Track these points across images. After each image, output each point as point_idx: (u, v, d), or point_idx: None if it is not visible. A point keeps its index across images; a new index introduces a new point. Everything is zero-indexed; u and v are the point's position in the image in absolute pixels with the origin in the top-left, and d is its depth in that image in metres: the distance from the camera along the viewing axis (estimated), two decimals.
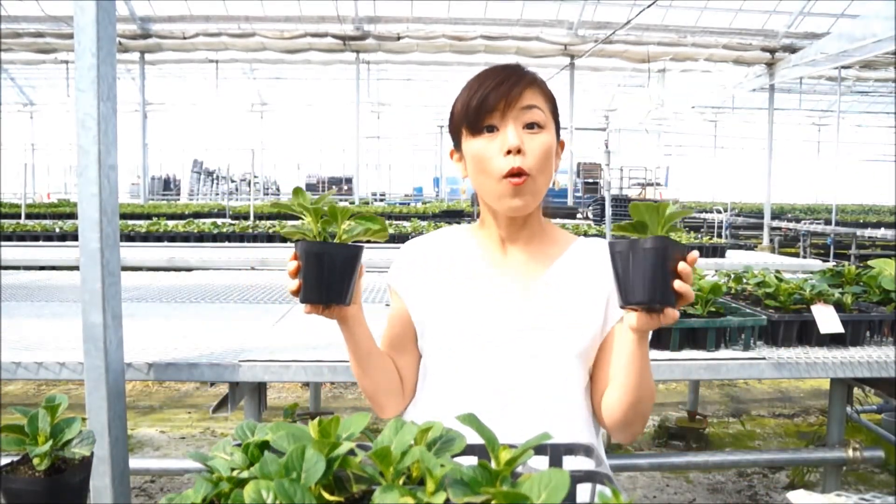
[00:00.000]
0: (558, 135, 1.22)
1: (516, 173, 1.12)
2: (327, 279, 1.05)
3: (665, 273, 0.94)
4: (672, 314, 0.99)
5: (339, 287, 1.06)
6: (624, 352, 1.10)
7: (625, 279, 0.96)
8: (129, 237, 6.14)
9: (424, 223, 7.01)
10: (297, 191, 1.09)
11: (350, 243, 1.08)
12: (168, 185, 26.96)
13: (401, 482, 0.65)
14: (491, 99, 1.13)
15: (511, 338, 1.18)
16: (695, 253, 1.00)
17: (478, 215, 1.31)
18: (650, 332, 1.08)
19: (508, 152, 1.12)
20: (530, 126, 1.15)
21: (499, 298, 1.21)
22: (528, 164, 1.13)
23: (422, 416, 1.22)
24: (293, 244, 1.09)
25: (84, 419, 0.86)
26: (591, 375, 1.25)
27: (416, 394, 1.29)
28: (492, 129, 1.15)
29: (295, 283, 1.07)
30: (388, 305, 1.34)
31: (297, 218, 1.13)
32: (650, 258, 0.93)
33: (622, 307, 1.00)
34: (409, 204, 15.96)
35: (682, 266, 0.97)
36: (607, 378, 1.21)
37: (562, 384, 1.18)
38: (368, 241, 1.12)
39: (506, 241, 1.25)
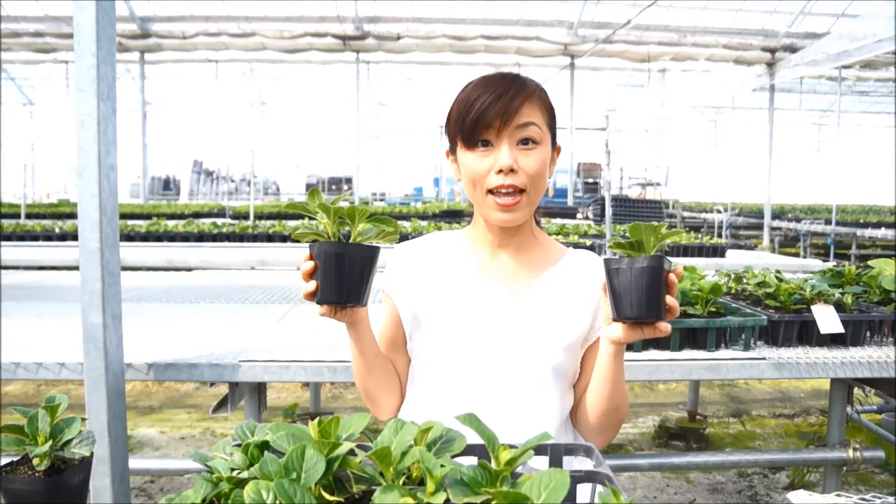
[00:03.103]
0: (554, 143, 1.22)
1: (508, 192, 1.14)
2: (346, 280, 1.05)
3: (659, 289, 1.00)
4: (664, 327, 1.03)
5: (358, 288, 1.07)
6: (602, 363, 1.13)
7: (621, 295, 1.01)
8: (128, 237, 6.15)
9: (424, 223, 7.01)
10: (313, 192, 1.08)
11: (367, 244, 1.08)
12: (168, 185, 26.98)
13: (401, 482, 0.65)
14: (487, 115, 1.12)
15: (492, 343, 1.19)
16: (680, 268, 1.04)
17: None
18: (623, 348, 1.12)
19: (500, 171, 1.13)
20: (525, 142, 1.15)
21: (484, 305, 1.21)
22: (520, 180, 1.14)
23: (409, 418, 1.23)
24: (308, 245, 1.08)
25: (84, 419, 0.85)
26: (574, 383, 1.26)
27: (405, 397, 1.30)
28: (486, 143, 1.15)
29: (312, 285, 1.06)
30: (380, 302, 1.34)
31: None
32: (646, 276, 0.99)
33: (615, 320, 1.05)
34: (408, 204, 15.98)
35: (671, 278, 1.02)
36: (586, 386, 1.22)
37: (534, 394, 1.19)
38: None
39: (496, 246, 1.25)
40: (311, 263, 1.06)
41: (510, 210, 1.15)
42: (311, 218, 1.12)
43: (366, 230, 1.08)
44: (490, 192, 1.15)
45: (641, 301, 0.99)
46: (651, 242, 1.02)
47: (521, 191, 1.14)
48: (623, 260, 1.00)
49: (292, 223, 7.21)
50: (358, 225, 1.08)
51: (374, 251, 1.07)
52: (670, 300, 1.02)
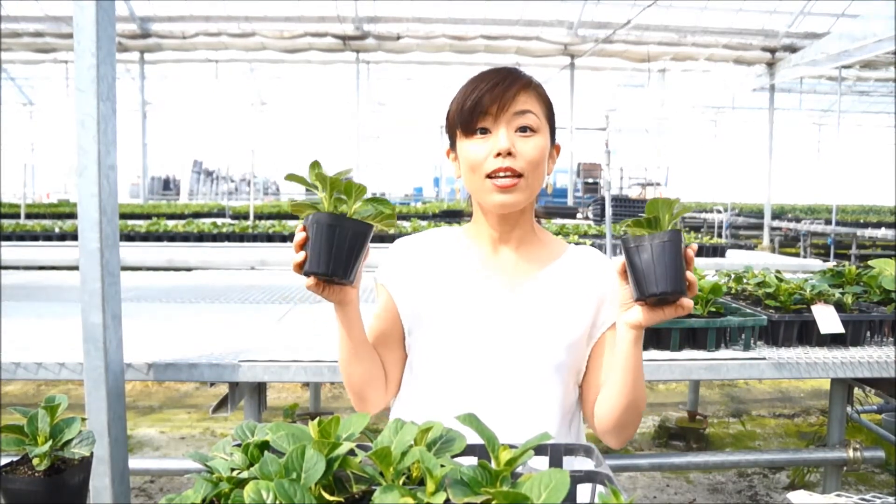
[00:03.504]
0: (553, 139, 1.23)
1: (507, 175, 1.14)
2: (336, 252, 1.03)
3: (680, 263, 1.00)
4: (687, 303, 1.02)
5: (347, 262, 1.04)
6: (620, 353, 1.11)
7: (645, 273, 1.00)
8: (128, 237, 6.15)
9: (424, 223, 7.01)
10: (314, 163, 1.06)
11: (360, 220, 1.06)
12: (168, 185, 26.97)
13: (401, 482, 0.65)
14: (484, 101, 1.14)
15: (494, 339, 1.19)
16: (694, 244, 1.05)
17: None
18: (643, 333, 1.11)
19: (498, 154, 1.14)
20: (523, 129, 1.16)
21: (486, 299, 1.22)
22: (518, 165, 1.15)
23: (408, 414, 1.24)
24: (303, 219, 1.07)
25: (84, 419, 0.85)
26: (582, 382, 1.25)
27: (401, 391, 1.30)
28: (485, 131, 1.16)
29: (300, 256, 1.05)
30: (374, 301, 1.33)
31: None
32: (668, 250, 0.98)
33: (638, 300, 1.03)
34: (408, 204, 15.97)
35: (689, 253, 1.02)
36: (598, 384, 1.22)
37: (537, 391, 1.18)
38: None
39: (497, 241, 1.25)
40: (303, 235, 1.05)
41: (508, 192, 1.15)
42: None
43: (363, 209, 1.07)
44: (488, 176, 1.16)
45: (667, 275, 0.98)
46: (667, 218, 1.03)
47: (520, 175, 1.15)
48: (643, 237, 1.00)
49: (292, 223, 7.21)
50: (355, 201, 1.06)
51: (367, 228, 1.06)
52: (690, 275, 1.02)
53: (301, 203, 1.09)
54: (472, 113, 1.15)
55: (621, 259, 1.05)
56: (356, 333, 1.20)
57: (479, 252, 1.26)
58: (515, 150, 1.14)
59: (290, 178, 1.13)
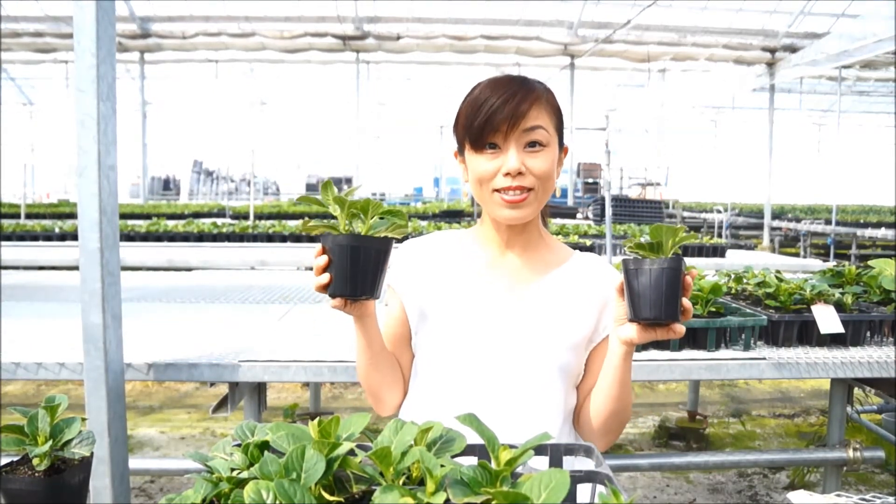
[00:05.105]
0: (561, 145, 1.23)
1: (516, 191, 1.15)
2: (361, 273, 1.05)
3: (677, 291, 1.01)
4: (679, 329, 1.04)
5: (373, 281, 1.06)
6: (612, 363, 1.14)
7: (640, 296, 1.01)
8: (128, 237, 6.15)
9: (424, 223, 7.01)
10: (325, 185, 1.08)
11: (382, 237, 1.07)
12: (168, 185, 26.97)
13: (401, 482, 0.65)
14: (495, 120, 1.13)
15: (497, 340, 1.20)
16: (695, 270, 1.05)
17: (478, 215, 1.32)
18: (633, 349, 1.13)
19: (507, 174, 1.14)
20: (532, 144, 1.16)
21: (490, 302, 1.23)
22: (527, 182, 1.15)
23: (412, 414, 1.25)
24: (320, 238, 1.08)
25: (84, 419, 0.85)
26: (577, 385, 1.26)
27: (407, 391, 1.31)
28: (494, 145, 1.16)
29: (325, 278, 1.06)
30: (386, 305, 1.34)
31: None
32: (666, 277, 1.00)
33: (631, 321, 1.05)
34: (408, 204, 15.97)
35: (687, 280, 1.03)
36: (590, 388, 1.23)
37: (540, 392, 1.19)
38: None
39: (503, 245, 1.26)
40: (324, 258, 1.06)
41: (517, 207, 1.16)
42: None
43: (377, 223, 1.08)
44: (496, 190, 1.16)
45: (661, 302, 1.00)
46: (670, 244, 1.03)
47: (529, 189, 1.16)
48: (643, 261, 1.01)
49: (292, 223, 7.22)
50: (371, 218, 1.07)
51: (389, 243, 1.07)
52: (686, 302, 1.03)
53: (316, 224, 1.10)
54: (482, 130, 1.15)
55: (621, 277, 1.06)
56: (375, 343, 1.21)
57: (486, 255, 1.27)
58: (525, 167, 1.14)
59: (304, 199, 1.14)
